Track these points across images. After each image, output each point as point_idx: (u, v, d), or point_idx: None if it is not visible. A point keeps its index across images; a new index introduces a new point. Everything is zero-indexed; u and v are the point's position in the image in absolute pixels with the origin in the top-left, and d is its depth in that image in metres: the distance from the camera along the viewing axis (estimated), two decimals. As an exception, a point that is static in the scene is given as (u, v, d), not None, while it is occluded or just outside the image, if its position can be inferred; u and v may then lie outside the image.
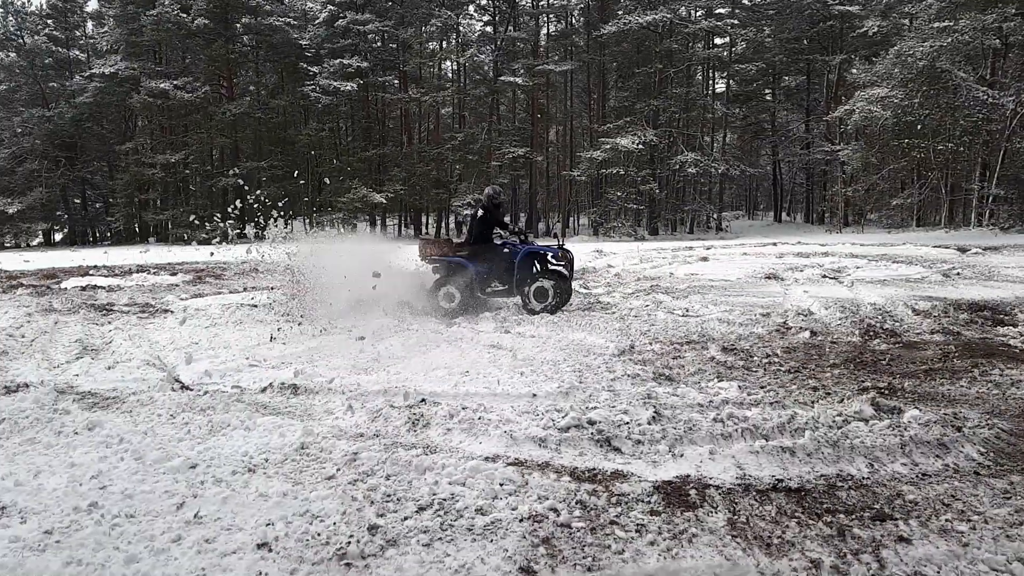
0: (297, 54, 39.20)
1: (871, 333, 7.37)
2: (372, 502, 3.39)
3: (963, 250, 16.78)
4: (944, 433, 4.12)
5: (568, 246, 9.51)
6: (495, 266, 9.21)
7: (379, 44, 39.95)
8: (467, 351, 6.82)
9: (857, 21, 36.48)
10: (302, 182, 37.38)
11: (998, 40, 27.19)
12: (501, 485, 3.56)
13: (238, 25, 37.74)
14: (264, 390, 5.43)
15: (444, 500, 3.41)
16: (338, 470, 3.78)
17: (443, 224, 40.87)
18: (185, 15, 35.34)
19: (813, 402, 4.81)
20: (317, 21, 39.42)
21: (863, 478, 3.67)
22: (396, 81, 40.14)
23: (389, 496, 3.47)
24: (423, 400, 4.93)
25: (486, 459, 3.92)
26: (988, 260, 14.46)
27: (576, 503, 3.38)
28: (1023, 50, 25.26)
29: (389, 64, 40.06)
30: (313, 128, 38.52)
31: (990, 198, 27.67)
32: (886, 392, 5.08)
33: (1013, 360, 6.01)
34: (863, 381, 5.44)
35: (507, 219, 9.95)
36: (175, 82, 35.55)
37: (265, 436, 4.26)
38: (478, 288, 9.15)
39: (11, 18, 39.46)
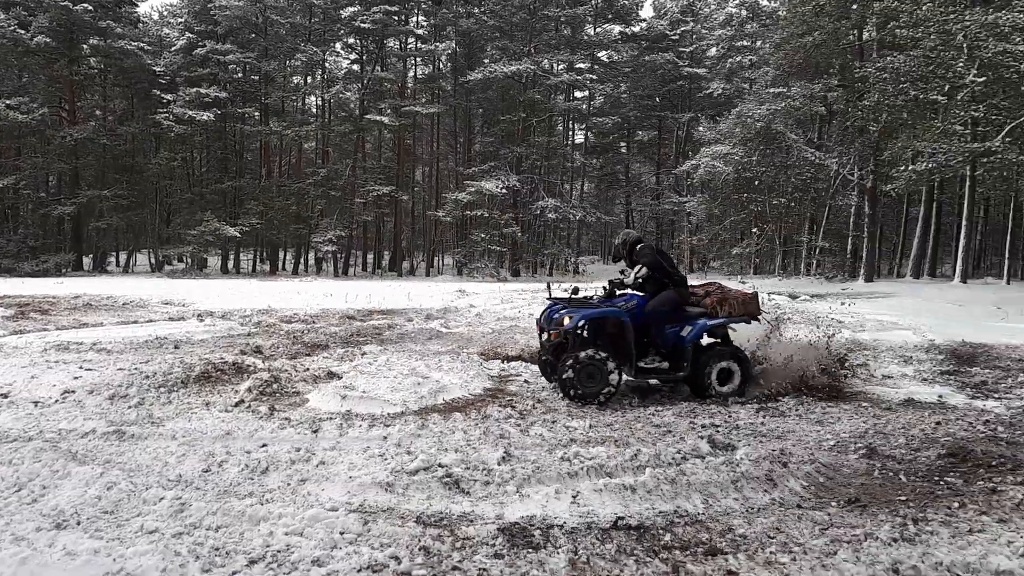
0: (150, 80, 37.14)
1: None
2: (198, 557, 3.15)
3: (793, 296, 18.21)
4: (772, 468, 4.38)
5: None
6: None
7: (240, 75, 38.67)
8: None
9: (704, 83, 39.53)
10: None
11: (824, 108, 30.30)
12: (341, 534, 3.41)
13: (84, 46, 35.23)
14: (85, 435, 4.97)
15: (279, 552, 3.22)
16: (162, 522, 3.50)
17: (302, 260, 39.66)
18: (23, 31, 32.66)
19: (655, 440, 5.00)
20: (174, 48, 37.62)
21: (698, 514, 3.82)
22: (257, 113, 38.92)
23: (217, 549, 3.23)
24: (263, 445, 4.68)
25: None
26: (815, 307, 15.73)
27: (419, 549, 3.29)
28: (844, 118, 28.19)
29: (250, 95, 38.84)
30: (164, 157, 36.54)
31: (817, 250, 30.43)
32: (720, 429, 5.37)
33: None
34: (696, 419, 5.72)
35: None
36: (8, 101, 32.64)
37: (80, 488, 3.88)
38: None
39: None
